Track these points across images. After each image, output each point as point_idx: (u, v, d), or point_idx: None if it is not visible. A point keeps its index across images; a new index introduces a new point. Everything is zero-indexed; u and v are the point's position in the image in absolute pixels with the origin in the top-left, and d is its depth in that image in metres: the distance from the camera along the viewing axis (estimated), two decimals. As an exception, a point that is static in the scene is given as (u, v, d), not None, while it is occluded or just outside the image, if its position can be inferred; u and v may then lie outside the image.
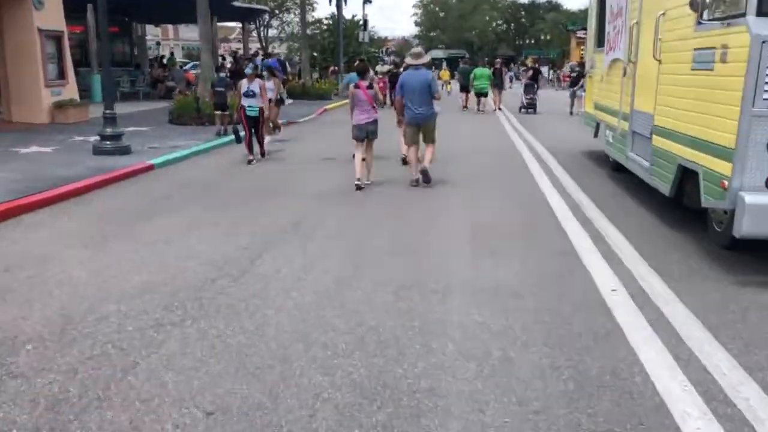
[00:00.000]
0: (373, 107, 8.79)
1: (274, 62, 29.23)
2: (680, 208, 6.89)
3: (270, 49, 58.18)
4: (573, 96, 21.56)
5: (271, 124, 12.86)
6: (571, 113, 20.98)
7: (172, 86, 24.06)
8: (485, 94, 23.13)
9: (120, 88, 23.21)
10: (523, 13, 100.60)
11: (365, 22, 52.81)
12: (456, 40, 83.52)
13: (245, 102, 10.87)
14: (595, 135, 10.78)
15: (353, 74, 10.45)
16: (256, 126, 11.03)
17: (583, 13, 71.65)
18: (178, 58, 52.17)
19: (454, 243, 6.14)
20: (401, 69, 16.93)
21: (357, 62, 10.20)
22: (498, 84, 23.42)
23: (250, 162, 10.89)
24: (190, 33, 65.43)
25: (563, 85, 48.35)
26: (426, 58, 9.06)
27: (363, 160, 8.88)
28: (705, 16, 5.44)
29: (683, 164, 6.02)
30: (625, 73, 8.38)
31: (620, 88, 8.61)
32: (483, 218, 7.25)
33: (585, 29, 41.73)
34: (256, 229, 6.55)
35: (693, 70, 5.80)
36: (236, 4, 27.99)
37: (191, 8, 25.50)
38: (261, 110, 10.99)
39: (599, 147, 11.73)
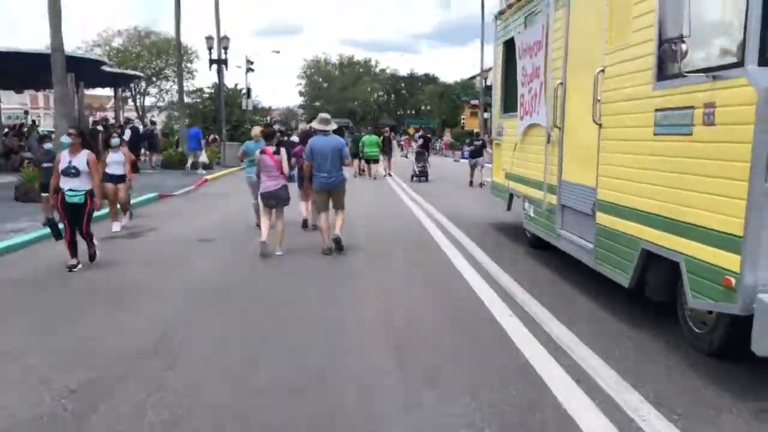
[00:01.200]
0: (281, 173, 8.58)
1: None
2: (626, 294, 5.75)
3: (148, 118, 55.50)
4: (474, 166, 20.47)
5: (119, 207, 11.04)
6: (471, 183, 20.02)
7: (29, 157, 21.27)
8: (376, 161, 23.38)
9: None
10: (402, 84, 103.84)
11: (248, 90, 51.69)
12: (339, 109, 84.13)
13: (64, 184, 7.67)
14: (509, 207, 9.77)
15: (250, 142, 10.65)
16: (80, 218, 7.77)
17: (460, 85, 74.49)
18: (49, 127, 48.34)
19: (378, 359, 4.62)
20: (290, 137, 15.91)
21: (263, 127, 10.00)
22: (387, 151, 24.53)
23: (71, 269, 7.65)
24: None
25: (445, 151, 49.29)
26: (333, 125, 9.00)
27: (271, 227, 8.64)
28: (674, 69, 4.40)
29: (649, 249, 4.89)
30: (548, 140, 7.39)
31: (542, 157, 7.60)
32: (404, 312, 5.84)
33: (477, 99, 42.61)
34: (93, 360, 4.69)
35: (656, 135, 4.74)
36: (106, 69, 25.80)
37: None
38: (88, 195, 7.75)
39: (509, 219, 10.83)
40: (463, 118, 75.32)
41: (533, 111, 8.07)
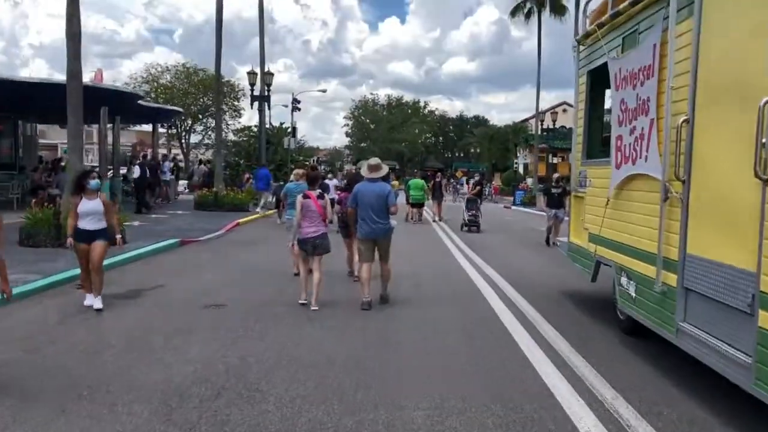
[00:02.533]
0: (323, 220, 8.13)
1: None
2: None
3: (193, 156, 55.18)
4: (554, 219, 16.10)
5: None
6: (549, 243, 16.05)
7: (56, 194, 20.16)
8: (421, 205, 22.71)
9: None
10: (451, 126, 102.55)
11: (294, 129, 50.93)
12: (386, 150, 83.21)
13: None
14: (593, 278, 7.70)
15: (291, 183, 10.62)
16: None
17: (512, 128, 72.62)
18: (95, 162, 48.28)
19: None
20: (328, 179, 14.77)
21: (307, 169, 9.35)
22: (438, 196, 23.70)
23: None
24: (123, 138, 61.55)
25: (495, 197, 46.94)
26: (385, 170, 8.34)
27: (310, 272, 8.17)
28: None
29: None
30: (665, 197, 5.40)
31: (654, 220, 5.60)
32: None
33: (546, 144, 40.16)
34: None
35: None
36: (143, 103, 24.84)
37: (93, 108, 22.30)
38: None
39: (585, 288, 8.76)
40: (516, 162, 73.41)
41: (638, 157, 6.09)
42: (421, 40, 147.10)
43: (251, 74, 26.97)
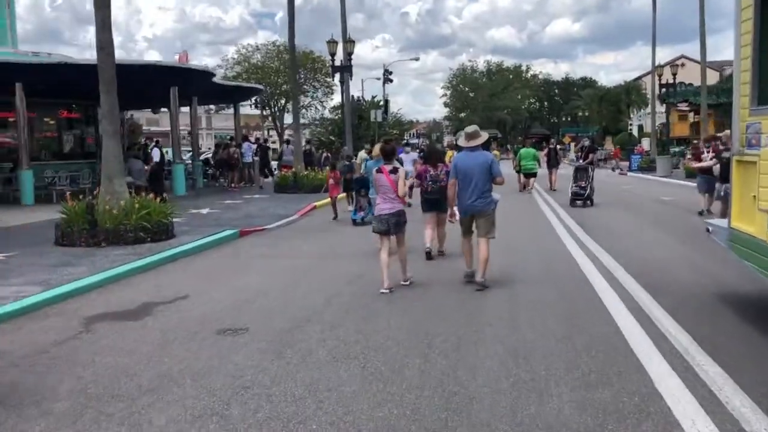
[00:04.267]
0: (398, 196, 7.52)
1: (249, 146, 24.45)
2: None
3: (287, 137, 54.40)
4: (718, 193, 12.66)
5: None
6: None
7: (129, 182, 19.18)
8: (534, 175, 21.75)
9: (58, 186, 18.50)
10: (556, 90, 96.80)
11: (386, 102, 48.89)
12: (487, 119, 79.46)
13: None
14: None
15: (371, 160, 11.07)
16: None
17: (624, 87, 67.00)
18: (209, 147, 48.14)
19: None
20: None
21: (384, 143, 8.92)
22: (553, 164, 22.99)
23: None
24: (221, 122, 61.42)
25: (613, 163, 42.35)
26: (484, 137, 7.79)
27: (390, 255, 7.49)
28: None
29: None
30: None
31: None
32: None
33: (687, 101, 35.43)
34: None
35: None
36: (219, 81, 23.52)
37: (166, 90, 21.20)
38: None
39: (750, 289, 6.08)
40: (631, 123, 67.79)
41: None
42: (523, 3, 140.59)
43: (331, 43, 24.96)
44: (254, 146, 24.40)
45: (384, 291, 7.18)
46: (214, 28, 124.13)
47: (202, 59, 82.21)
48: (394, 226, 7.46)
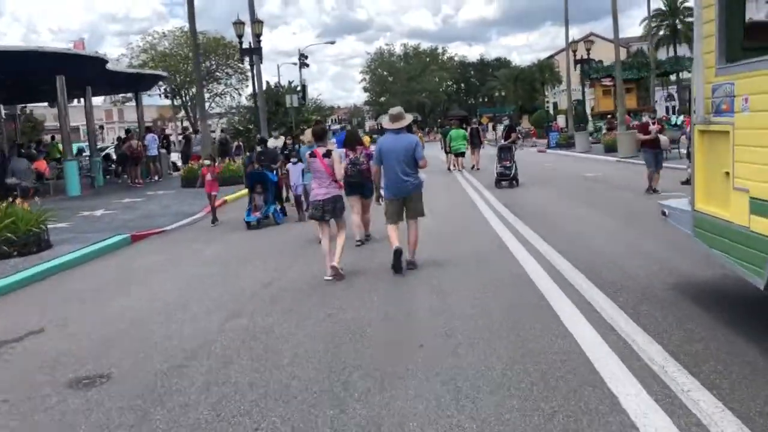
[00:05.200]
0: (335, 180, 7.19)
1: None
2: None
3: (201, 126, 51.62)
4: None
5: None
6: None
7: (13, 184, 16.98)
8: (463, 154, 22.59)
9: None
10: (472, 72, 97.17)
11: (303, 87, 47.20)
12: (407, 102, 78.83)
13: None
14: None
15: (304, 146, 11.24)
16: None
17: (537, 66, 67.76)
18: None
19: None
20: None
21: (314, 123, 9.83)
22: (477, 143, 23.86)
23: None
24: (133, 114, 57.46)
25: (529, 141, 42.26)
26: (408, 119, 7.61)
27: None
28: None
29: None
30: None
31: None
32: None
33: (610, 76, 35.58)
34: None
35: None
36: (114, 68, 21.41)
37: (72, 82, 18.95)
38: None
39: (709, 276, 5.24)
40: (547, 101, 68.57)
41: None
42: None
43: (238, 24, 23.20)
44: (158, 138, 22.37)
45: (328, 278, 6.97)
46: (124, 18, 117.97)
47: (111, 50, 77.90)
48: (330, 212, 7.19)
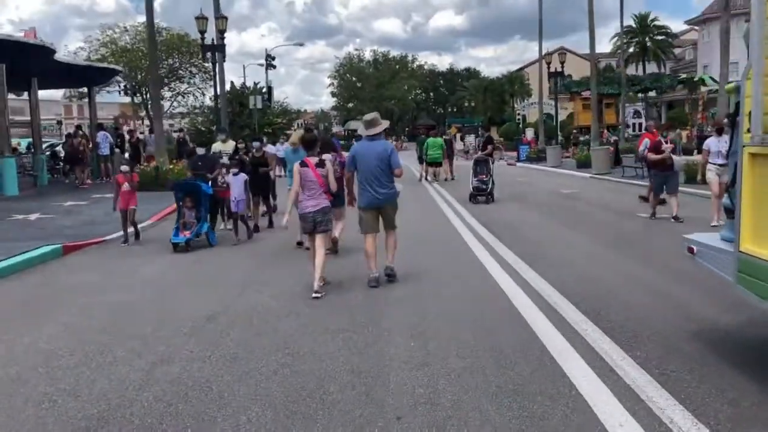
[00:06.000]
0: (326, 192, 6.99)
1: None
2: None
3: (167, 127, 49.49)
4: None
5: None
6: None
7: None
8: (439, 164, 22.09)
9: None
10: (441, 81, 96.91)
11: (269, 89, 45.93)
12: (375, 109, 77.59)
13: None
14: None
15: (288, 148, 10.05)
16: None
17: (507, 78, 67.69)
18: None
19: None
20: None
21: (304, 131, 9.15)
22: (450, 154, 23.35)
23: None
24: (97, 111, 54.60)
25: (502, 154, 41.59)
26: (384, 124, 7.36)
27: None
28: None
29: None
30: None
31: None
32: None
33: (569, 89, 35.13)
34: None
35: None
36: (63, 60, 19.89)
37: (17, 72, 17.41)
38: None
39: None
40: (518, 113, 68.29)
41: None
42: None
43: (201, 20, 21.90)
44: (107, 135, 20.83)
45: (316, 296, 6.51)
46: (88, 11, 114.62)
47: (73, 44, 74.59)
48: (322, 223, 6.94)
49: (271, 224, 11.73)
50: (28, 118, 20.57)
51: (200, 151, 11.73)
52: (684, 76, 43.52)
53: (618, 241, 9.57)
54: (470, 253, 8.87)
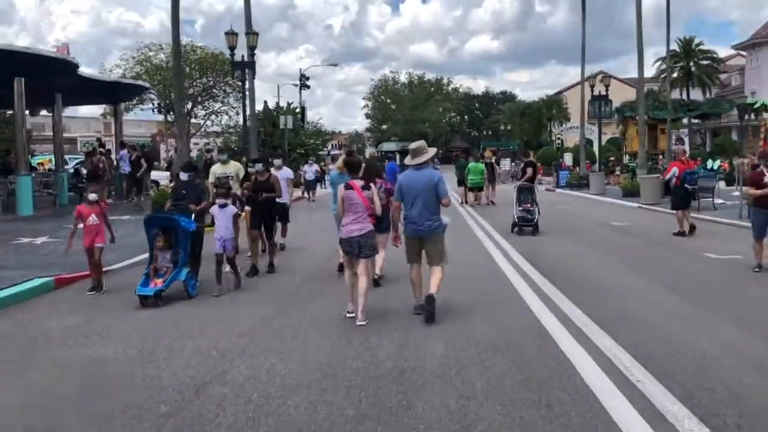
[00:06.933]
0: (371, 215, 6.83)
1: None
2: None
3: (194, 145, 49.03)
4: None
5: None
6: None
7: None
8: (480, 189, 22.14)
9: None
10: (477, 104, 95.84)
11: (303, 108, 45.29)
12: (408, 132, 77.21)
13: None
14: None
15: (334, 171, 10.17)
16: None
17: (545, 102, 66.28)
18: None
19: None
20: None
21: (346, 155, 8.99)
22: (491, 179, 23.33)
23: None
24: (132, 128, 53.98)
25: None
26: (430, 153, 7.07)
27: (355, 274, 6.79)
28: None
29: None
30: None
31: None
32: None
33: (647, 116, 33.51)
34: None
35: None
36: (88, 75, 19.20)
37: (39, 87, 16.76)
38: None
39: None
40: (559, 138, 66.70)
41: None
42: (443, 19, 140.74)
43: (230, 35, 21.10)
44: (131, 154, 20.00)
45: (350, 315, 6.64)
46: (133, 33, 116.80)
47: (110, 63, 76.09)
48: (366, 247, 6.74)
49: (272, 267, 9.56)
50: (73, 135, 20.03)
51: (184, 177, 9.08)
52: (739, 101, 41.58)
53: (701, 293, 8.03)
54: (516, 295, 7.57)
